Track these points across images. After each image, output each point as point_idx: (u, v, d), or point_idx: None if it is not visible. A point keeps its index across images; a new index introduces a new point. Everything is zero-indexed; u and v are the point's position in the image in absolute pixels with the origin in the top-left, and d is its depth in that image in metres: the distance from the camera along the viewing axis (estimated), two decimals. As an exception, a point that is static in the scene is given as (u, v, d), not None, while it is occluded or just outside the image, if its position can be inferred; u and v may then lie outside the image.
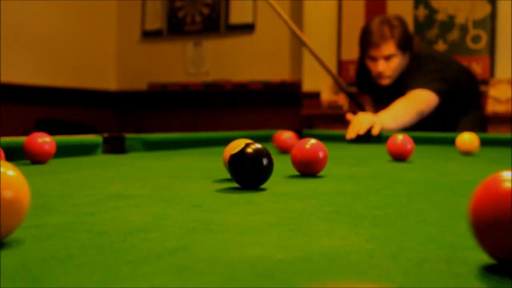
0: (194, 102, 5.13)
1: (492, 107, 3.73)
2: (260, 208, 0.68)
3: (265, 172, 0.85)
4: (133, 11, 5.38)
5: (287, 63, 4.75)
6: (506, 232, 0.39)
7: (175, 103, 5.22)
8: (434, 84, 2.48)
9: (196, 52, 5.12)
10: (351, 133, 2.24)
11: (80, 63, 5.17)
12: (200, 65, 5.11)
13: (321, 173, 1.09)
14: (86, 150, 1.55)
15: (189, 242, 0.49)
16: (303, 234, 0.53)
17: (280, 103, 4.74)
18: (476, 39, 3.84)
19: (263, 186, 0.88)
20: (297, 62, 4.66)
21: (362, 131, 2.21)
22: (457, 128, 2.60)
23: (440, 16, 3.93)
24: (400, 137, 1.43)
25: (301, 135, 2.36)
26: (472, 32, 3.85)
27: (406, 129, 2.37)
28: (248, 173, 0.84)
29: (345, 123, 2.44)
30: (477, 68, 3.81)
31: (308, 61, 4.21)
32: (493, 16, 3.80)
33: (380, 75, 2.58)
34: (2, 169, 0.46)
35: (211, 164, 1.35)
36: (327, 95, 4.30)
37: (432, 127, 2.52)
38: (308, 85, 4.41)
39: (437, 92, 2.46)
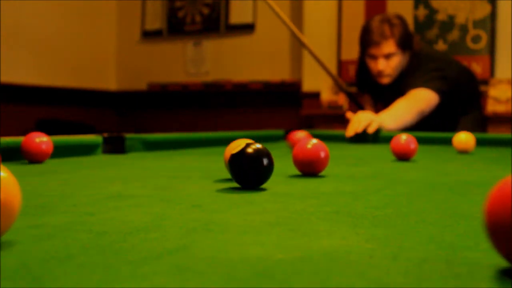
0: (194, 102, 5.13)
1: (492, 107, 3.73)
2: (260, 208, 0.68)
3: (265, 172, 0.85)
4: (133, 11, 5.38)
5: (287, 63, 4.75)
6: None
7: (175, 103, 5.22)
8: (434, 83, 2.48)
9: (196, 52, 5.12)
10: (349, 132, 2.25)
11: (80, 63, 5.17)
12: (200, 65, 5.11)
13: (321, 173, 1.09)
14: (86, 150, 1.55)
15: (189, 242, 0.49)
16: (303, 234, 0.53)
17: (280, 103, 4.74)
18: (476, 39, 3.84)
19: (263, 186, 0.88)
20: (297, 62, 4.66)
21: (360, 129, 2.23)
22: (457, 128, 2.60)
23: (440, 16, 3.93)
24: (403, 137, 1.44)
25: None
26: (472, 32, 3.85)
27: (406, 129, 2.37)
28: (248, 173, 0.84)
29: (345, 123, 2.44)
30: (477, 68, 3.81)
31: (308, 61, 4.21)
32: (493, 16, 3.80)
33: (380, 73, 2.58)
34: None
35: (211, 164, 1.35)
36: (327, 95, 4.30)
37: (432, 127, 2.53)
38: (308, 85, 4.41)
39: (438, 91, 2.46)
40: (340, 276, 0.39)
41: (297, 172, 1.10)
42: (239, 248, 0.47)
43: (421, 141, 2.08)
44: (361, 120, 2.24)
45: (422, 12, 3.98)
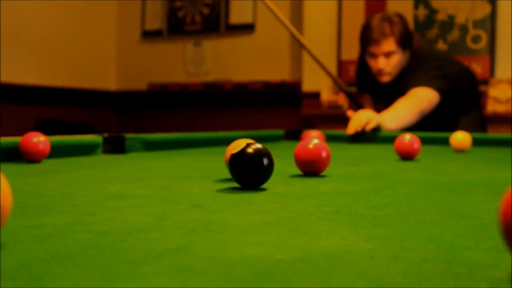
0: (194, 102, 5.13)
1: (492, 107, 3.73)
2: (260, 208, 0.68)
3: (265, 172, 0.85)
4: (133, 11, 5.38)
5: (287, 63, 4.75)
6: None
7: (175, 103, 5.22)
8: (435, 81, 2.48)
9: (196, 52, 5.12)
10: (349, 130, 2.27)
11: (80, 63, 5.17)
12: (200, 65, 5.11)
13: (322, 173, 1.09)
14: (86, 150, 1.55)
15: (189, 242, 0.49)
16: (303, 234, 0.53)
17: (280, 103, 4.74)
18: (476, 39, 3.84)
19: (264, 186, 0.88)
20: (297, 62, 4.66)
21: (359, 128, 2.24)
22: (458, 127, 2.60)
23: (440, 16, 3.93)
24: (407, 136, 1.47)
25: (301, 135, 2.37)
26: (472, 32, 3.85)
27: (406, 129, 2.37)
28: (249, 173, 0.84)
29: (345, 123, 2.45)
30: (477, 68, 3.81)
31: (308, 61, 4.21)
32: (493, 16, 3.80)
33: (380, 72, 2.58)
34: None
35: (211, 164, 1.35)
36: (327, 95, 4.30)
37: (432, 126, 2.52)
38: (308, 85, 4.41)
39: (438, 90, 2.46)
40: (340, 276, 0.39)
41: (297, 172, 1.10)
42: (239, 248, 0.47)
43: (421, 141, 2.08)
44: (361, 118, 2.26)
45: (422, 12, 3.98)
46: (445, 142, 2.11)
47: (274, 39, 4.72)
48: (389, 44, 2.51)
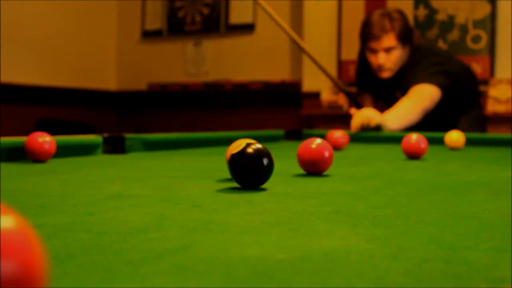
0: (194, 102, 5.13)
1: (492, 107, 3.73)
2: (260, 208, 0.68)
3: (265, 172, 0.85)
4: (133, 11, 5.38)
5: (287, 63, 4.75)
6: None
7: (175, 103, 5.22)
8: (436, 77, 2.47)
9: (196, 52, 5.12)
10: (353, 128, 2.29)
11: (80, 63, 5.17)
12: (200, 65, 5.11)
13: (324, 173, 1.09)
14: (86, 150, 1.55)
15: (189, 242, 0.49)
16: (303, 234, 0.53)
17: (280, 103, 4.74)
18: (476, 39, 3.84)
19: (264, 186, 0.88)
20: (297, 62, 4.65)
21: (362, 125, 2.26)
22: (457, 126, 2.60)
23: (440, 16, 3.93)
24: (414, 136, 1.49)
25: (301, 135, 2.37)
26: (472, 32, 3.85)
27: (406, 129, 2.37)
28: (249, 173, 0.84)
29: (345, 122, 2.46)
30: (477, 68, 3.81)
31: (308, 61, 4.20)
32: (493, 16, 3.80)
33: (380, 67, 2.58)
34: None
35: (211, 164, 1.35)
36: (327, 95, 4.30)
37: (432, 124, 2.52)
38: (308, 85, 4.41)
39: (440, 86, 2.46)
40: (340, 276, 0.39)
41: (297, 172, 1.10)
42: (239, 248, 0.47)
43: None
44: (363, 117, 2.27)
45: (422, 12, 3.98)
46: (442, 142, 2.11)
47: (274, 39, 4.72)
48: (389, 40, 2.51)
